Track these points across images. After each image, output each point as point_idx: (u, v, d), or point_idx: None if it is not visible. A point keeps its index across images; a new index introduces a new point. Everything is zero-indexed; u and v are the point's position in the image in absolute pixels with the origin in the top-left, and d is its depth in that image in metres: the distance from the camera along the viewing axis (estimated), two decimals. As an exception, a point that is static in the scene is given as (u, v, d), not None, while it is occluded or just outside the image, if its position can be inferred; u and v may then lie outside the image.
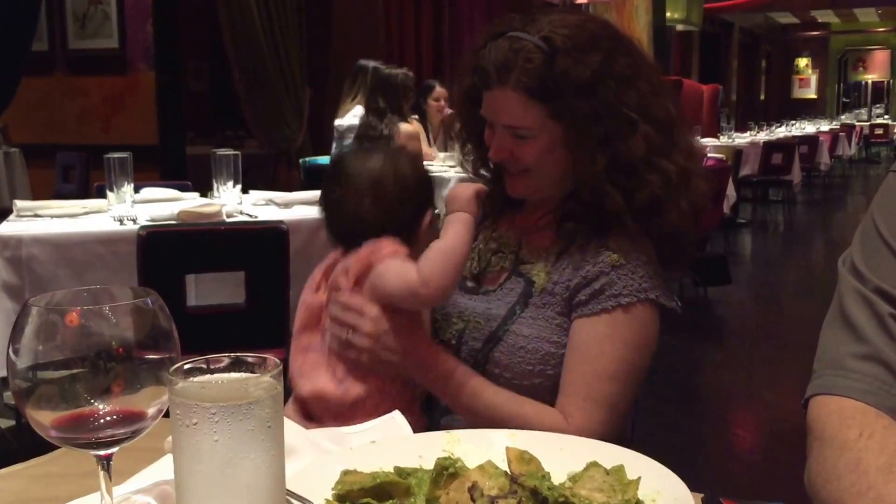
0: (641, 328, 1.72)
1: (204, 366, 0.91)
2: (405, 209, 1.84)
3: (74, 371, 0.91)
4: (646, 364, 1.75)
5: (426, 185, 1.90)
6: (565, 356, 1.72)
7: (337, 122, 6.45)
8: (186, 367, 0.90)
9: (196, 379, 0.90)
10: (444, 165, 6.61)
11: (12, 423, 4.35)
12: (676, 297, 1.81)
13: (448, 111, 6.20)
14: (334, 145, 6.49)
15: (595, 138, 1.72)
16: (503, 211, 1.97)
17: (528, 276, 1.81)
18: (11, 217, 3.87)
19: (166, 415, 0.91)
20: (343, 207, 1.85)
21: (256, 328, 3.55)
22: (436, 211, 1.90)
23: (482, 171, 2.03)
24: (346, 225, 1.85)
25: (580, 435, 1.60)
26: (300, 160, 7.64)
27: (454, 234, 1.74)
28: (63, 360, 0.92)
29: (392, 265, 1.74)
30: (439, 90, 7.76)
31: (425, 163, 6.36)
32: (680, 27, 18.97)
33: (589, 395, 1.68)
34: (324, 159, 6.74)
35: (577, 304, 1.73)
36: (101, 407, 0.93)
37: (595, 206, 1.76)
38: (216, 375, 0.91)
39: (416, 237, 1.84)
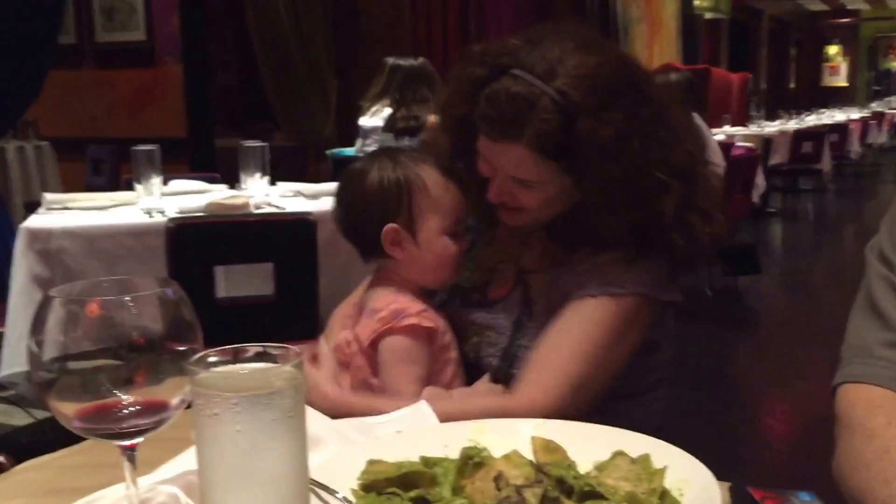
0: (620, 315, 1.63)
1: (226, 356, 0.91)
2: (362, 223, 1.77)
3: (97, 362, 0.92)
4: (616, 347, 1.64)
5: (389, 202, 1.73)
6: None
7: (361, 120, 6.45)
8: (208, 357, 0.90)
9: (218, 369, 0.90)
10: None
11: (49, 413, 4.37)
12: (682, 290, 1.73)
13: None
14: (359, 142, 6.50)
15: (623, 199, 1.61)
16: (495, 220, 1.84)
17: (530, 285, 1.78)
18: (40, 210, 3.89)
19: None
20: (338, 212, 1.83)
21: (286, 319, 3.55)
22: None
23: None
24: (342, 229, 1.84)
25: (524, 406, 1.52)
26: (327, 152, 7.64)
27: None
28: (85, 351, 0.92)
29: (390, 358, 1.69)
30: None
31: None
32: (709, 15, 18.86)
33: (541, 368, 1.60)
34: (351, 150, 6.74)
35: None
36: (124, 397, 0.93)
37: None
38: (238, 365, 0.91)
39: (381, 252, 1.76)
